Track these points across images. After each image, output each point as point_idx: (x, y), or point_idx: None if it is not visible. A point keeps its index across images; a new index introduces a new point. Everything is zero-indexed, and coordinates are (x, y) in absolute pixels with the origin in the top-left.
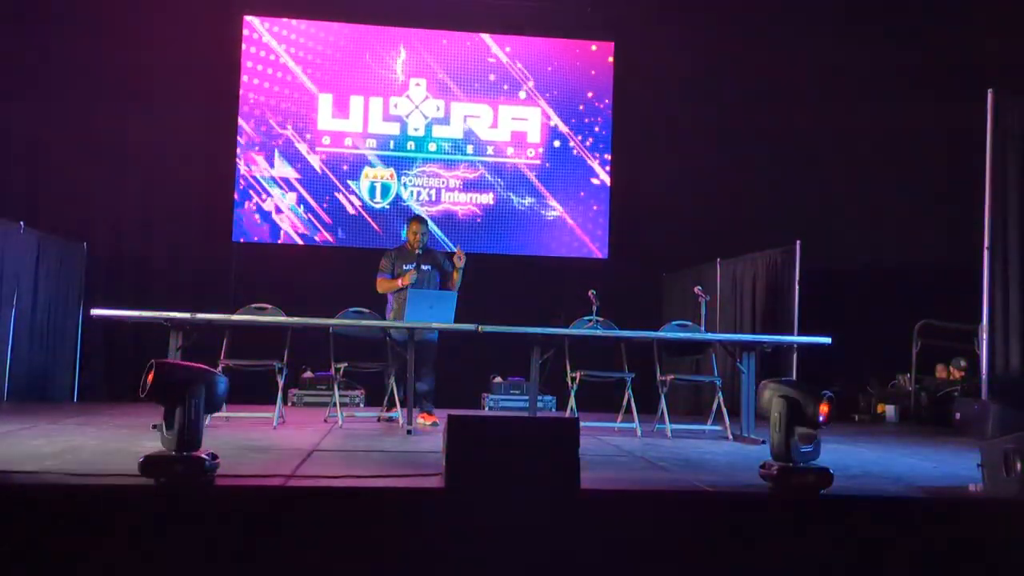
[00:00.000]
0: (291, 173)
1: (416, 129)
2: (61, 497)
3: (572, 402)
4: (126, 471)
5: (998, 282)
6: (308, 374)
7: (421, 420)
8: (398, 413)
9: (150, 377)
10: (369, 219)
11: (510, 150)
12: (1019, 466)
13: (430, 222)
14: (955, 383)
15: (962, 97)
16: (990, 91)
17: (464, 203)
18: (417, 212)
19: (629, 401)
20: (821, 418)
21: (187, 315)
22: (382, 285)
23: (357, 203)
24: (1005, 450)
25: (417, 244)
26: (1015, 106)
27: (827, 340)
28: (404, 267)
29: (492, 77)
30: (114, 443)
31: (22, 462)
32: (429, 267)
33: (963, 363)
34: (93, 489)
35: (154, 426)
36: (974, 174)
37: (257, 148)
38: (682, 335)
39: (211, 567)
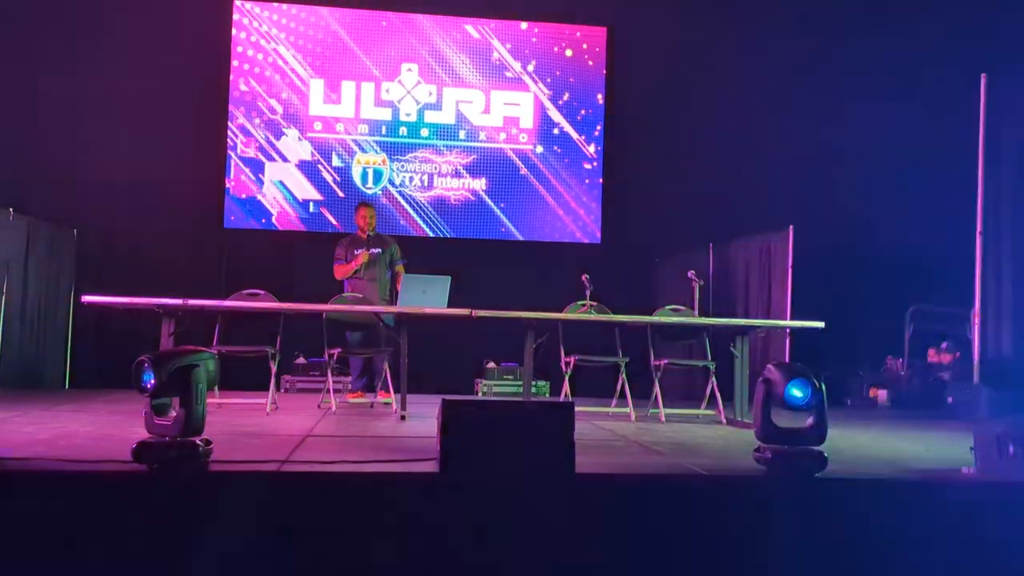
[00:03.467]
0: (282, 159)
1: (408, 114)
2: (54, 484)
3: (566, 387)
4: (119, 457)
5: (990, 267)
6: (301, 360)
7: (381, 398)
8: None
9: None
10: None
11: (502, 135)
12: (1012, 449)
13: (426, 206)
14: (944, 367)
15: (954, 81)
16: (983, 75)
17: (456, 188)
18: (367, 198)
19: (623, 386)
20: (797, 398)
21: (179, 301)
22: (339, 271)
23: (349, 189)
24: (997, 434)
25: (367, 228)
26: (1008, 91)
27: (820, 324)
28: (355, 251)
29: (484, 62)
30: (107, 429)
31: (14, 448)
32: (379, 250)
33: (949, 346)
34: (86, 475)
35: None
36: (966, 159)
37: (248, 134)
38: (676, 319)
39: (205, 552)
